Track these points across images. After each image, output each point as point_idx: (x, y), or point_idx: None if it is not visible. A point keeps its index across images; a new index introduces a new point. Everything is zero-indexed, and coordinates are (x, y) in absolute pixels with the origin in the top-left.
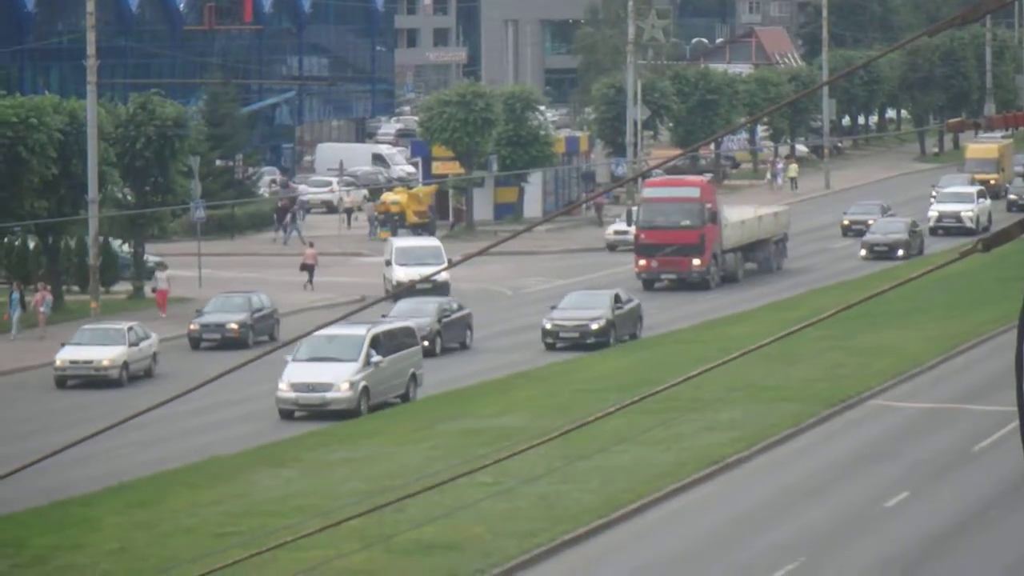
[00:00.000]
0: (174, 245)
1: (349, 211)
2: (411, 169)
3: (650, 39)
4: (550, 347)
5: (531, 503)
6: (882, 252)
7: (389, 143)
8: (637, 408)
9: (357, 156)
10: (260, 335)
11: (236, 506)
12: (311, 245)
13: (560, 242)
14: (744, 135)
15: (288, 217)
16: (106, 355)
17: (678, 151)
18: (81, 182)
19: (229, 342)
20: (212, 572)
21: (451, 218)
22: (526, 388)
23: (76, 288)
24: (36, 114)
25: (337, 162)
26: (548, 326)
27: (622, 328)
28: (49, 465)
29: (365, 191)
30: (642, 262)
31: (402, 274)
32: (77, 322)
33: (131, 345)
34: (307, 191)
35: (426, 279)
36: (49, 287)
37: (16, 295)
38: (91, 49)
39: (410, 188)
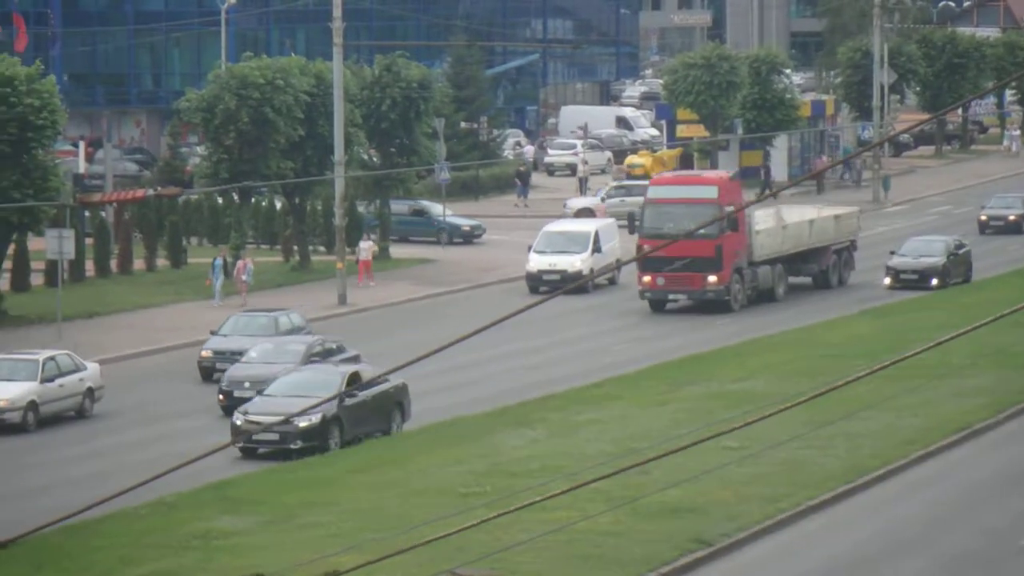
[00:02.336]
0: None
1: (584, 180)
2: (655, 132)
3: (897, 2)
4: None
5: (775, 468)
6: (910, 281)
7: (633, 106)
8: (883, 374)
9: (601, 119)
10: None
11: (481, 466)
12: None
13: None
14: (992, 100)
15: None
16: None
17: (925, 116)
18: (327, 143)
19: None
20: (458, 532)
21: None
22: (770, 353)
23: (322, 249)
24: (283, 76)
25: (581, 125)
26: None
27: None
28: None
29: (609, 154)
30: (646, 278)
31: (535, 263)
32: (323, 282)
33: (44, 381)
34: (551, 154)
35: (570, 279)
36: (250, 256)
37: (219, 261)
38: (337, 11)
39: (654, 151)
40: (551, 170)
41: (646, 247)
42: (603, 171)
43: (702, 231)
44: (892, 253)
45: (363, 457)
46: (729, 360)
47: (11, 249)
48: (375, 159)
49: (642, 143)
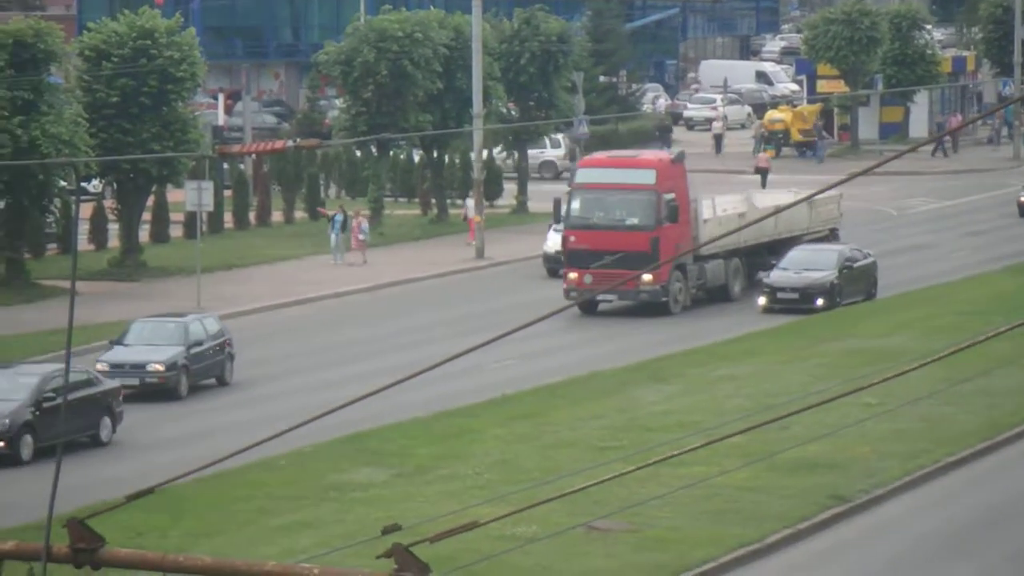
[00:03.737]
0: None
1: (719, 137)
2: (795, 87)
3: None
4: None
5: (914, 424)
6: (789, 302)
7: (773, 61)
8: (1021, 331)
9: (740, 73)
10: (200, 377)
11: (618, 420)
12: (764, 150)
13: (945, 163)
14: None
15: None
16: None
17: None
18: (465, 96)
19: (149, 391)
20: (595, 484)
21: (835, 136)
22: (909, 309)
23: (460, 202)
24: (421, 29)
25: (721, 79)
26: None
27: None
28: (434, 376)
29: (749, 109)
30: (571, 275)
31: (551, 242)
32: (460, 235)
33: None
34: (690, 108)
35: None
36: (367, 213)
37: (338, 217)
38: None
39: (794, 106)
40: (690, 125)
41: (572, 239)
42: (742, 126)
43: (634, 222)
44: (773, 265)
45: (499, 411)
46: (870, 316)
47: (151, 201)
48: (513, 112)
49: (782, 98)
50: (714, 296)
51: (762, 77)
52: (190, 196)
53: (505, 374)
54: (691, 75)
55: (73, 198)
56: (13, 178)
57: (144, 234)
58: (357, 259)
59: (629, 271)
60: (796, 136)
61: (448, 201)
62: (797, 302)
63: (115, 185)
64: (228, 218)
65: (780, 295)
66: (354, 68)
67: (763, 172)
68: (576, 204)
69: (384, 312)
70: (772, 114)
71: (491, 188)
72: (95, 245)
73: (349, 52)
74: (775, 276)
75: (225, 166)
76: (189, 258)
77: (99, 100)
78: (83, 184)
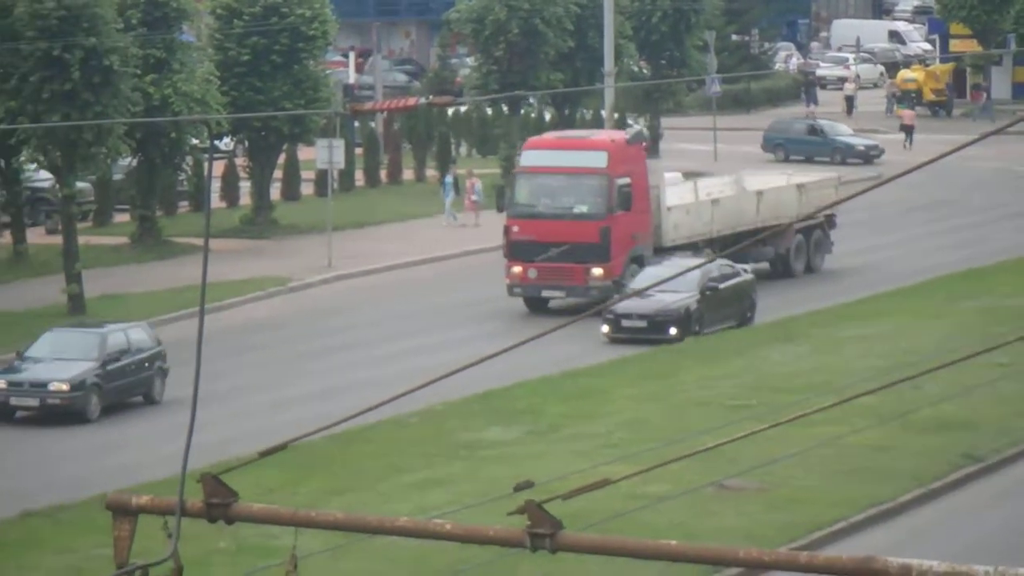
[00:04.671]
0: (689, 119)
1: (851, 99)
2: (927, 46)
3: None
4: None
5: None
6: (636, 331)
7: (906, 20)
8: None
9: (873, 32)
10: (120, 396)
11: (747, 380)
12: (911, 107)
13: None
14: None
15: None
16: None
17: None
18: (597, 55)
19: (50, 414)
20: (726, 443)
21: (968, 96)
22: None
23: None
24: None
25: (853, 38)
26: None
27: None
28: (561, 336)
29: (881, 68)
30: (515, 269)
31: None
32: None
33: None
34: (822, 67)
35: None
36: (478, 176)
37: (449, 179)
38: None
39: (927, 66)
40: (822, 84)
41: (515, 229)
42: (875, 85)
43: (583, 210)
44: (619, 285)
45: (630, 370)
46: (1007, 273)
47: (282, 159)
48: (645, 71)
49: (914, 57)
50: None
51: (895, 36)
52: (321, 154)
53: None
54: (823, 34)
55: (206, 156)
56: (146, 136)
57: (275, 192)
58: (470, 220)
59: (577, 265)
60: (928, 96)
61: None
62: (645, 331)
63: (246, 143)
64: (359, 176)
65: (625, 323)
66: (485, 26)
67: (908, 130)
68: (520, 190)
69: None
70: (904, 73)
71: None
72: (227, 203)
73: (480, 10)
74: (621, 304)
75: (356, 124)
76: (320, 216)
77: (231, 58)
78: (215, 142)
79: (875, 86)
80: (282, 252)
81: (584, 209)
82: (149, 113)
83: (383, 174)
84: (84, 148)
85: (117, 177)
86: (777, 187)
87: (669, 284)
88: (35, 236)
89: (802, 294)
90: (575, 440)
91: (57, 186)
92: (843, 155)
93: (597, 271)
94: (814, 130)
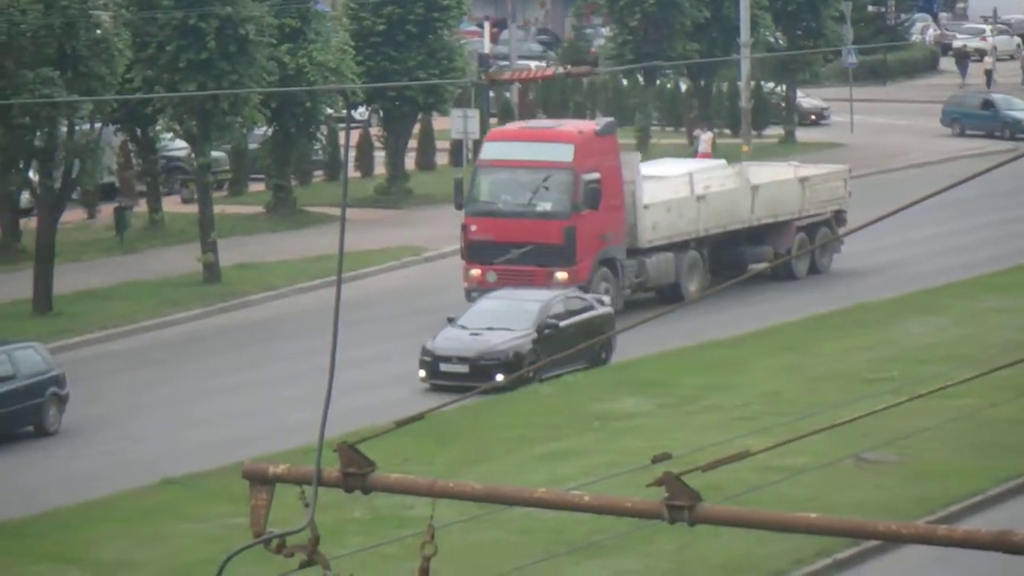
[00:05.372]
0: (825, 90)
1: (990, 72)
2: None
3: None
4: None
5: None
6: (457, 378)
7: None
8: None
9: (1011, 3)
10: (5, 426)
11: (885, 352)
12: None
13: None
14: None
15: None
16: None
17: None
18: (732, 25)
19: None
20: (864, 416)
21: None
22: None
23: (727, 131)
24: None
25: (990, 10)
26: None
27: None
28: (699, 307)
29: (1018, 40)
30: (473, 272)
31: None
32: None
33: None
34: (959, 38)
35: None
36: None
37: None
38: None
39: None
40: (974, 57)
41: (473, 228)
42: (1011, 57)
43: (546, 208)
44: (449, 321)
45: (766, 342)
46: None
47: (416, 128)
48: (781, 42)
49: None
50: (665, 296)
51: None
52: (456, 124)
53: (771, 305)
54: (960, 5)
55: (341, 126)
56: (281, 105)
57: (410, 161)
58: None
59: (539, 268)
60: None
61: (716, 131)
62: (466, 378)
63: (381, 113)
64: None
65: (444, 367)
66: None
67: None
68: (479, 185)
69: None
70: None
71: (758, 118)
72: (361, 172)
73: None
74: (441, 338)
75: (491, 94)
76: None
77: (365, 28)
78: (350, 112)
79: (1011, 58)
80: (417, 222)
81: (547, 207)
82: (284, 83)
83: None
84: (220, 117)
85: (252, 146)
86: (776, 181)
87: (502, 321)
88: (171, 205)
89: (953, 260)
90: (710, 412)
91: (193, 155)
92: (1011, 130)
93: (561, 275)
94: (987, 104)
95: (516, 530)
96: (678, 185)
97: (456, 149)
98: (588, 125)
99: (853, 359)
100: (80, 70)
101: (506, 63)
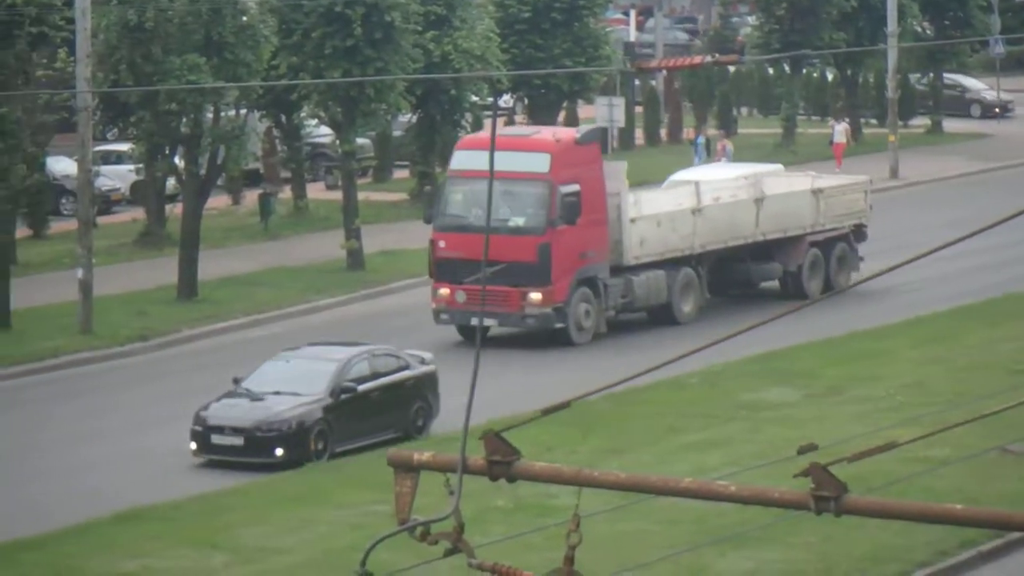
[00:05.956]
0: (971, 81)
1: None
2: None
3: None
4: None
5: None
6: (231, 452)
7: None
8: None
9: None
10: None
11: None
12: None
13: None
14: None
15: None
16: None
17: None
18: (880, 14)
19: None
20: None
21: None
22: None
23: (874, 121)
24: None
25: None
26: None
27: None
28: (845, 297)
29: None
30: (442, 291)
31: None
32: (874, 155)
33: None
34: None
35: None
36: (729, 138)
37: (701, 139)
38: None
39: None
40: None
41: (441, 244)
42: None
43: (519, 223)
44: (235, 382)
45: (911, 333)
46: None
47: (562, 116)
48: (928, 31)
49: None
50: (658, 318)
51: None
52: (601, 111)
53: (918, 295)
54: None
55: (486, 113)
56: (426, 92)
57: None
58: None
59: (512, 288)
60: None
61: (862, 120)
62: (242, 452)
63: (526, 100)
64: (639, 134)
65: (216, 439)
66: None
67: None
68: (448, 198)
69: None
70: None
71: (905, 108)
72: None
73: None
74: (217, 404)
75: (636, 82)
76: None
77: (511, 15)
78: (495, 99)
79: None
80: None
81: (520, 222)
82: (429, 70)
83: (663, 132)
84: (365, 104)
85: (397, 133)
86: (785, 193)
87: (292, 383)
88: (315, 191)
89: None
90: (856, 403)
91: (337, 142)
92: None
93: (535, 296)
94: None
95: (660, 520)
96: (683, 196)
97: (602, 136)
98: (567, 133)
99: (999, 350)
100: (226, 56)
101: (651, 51)
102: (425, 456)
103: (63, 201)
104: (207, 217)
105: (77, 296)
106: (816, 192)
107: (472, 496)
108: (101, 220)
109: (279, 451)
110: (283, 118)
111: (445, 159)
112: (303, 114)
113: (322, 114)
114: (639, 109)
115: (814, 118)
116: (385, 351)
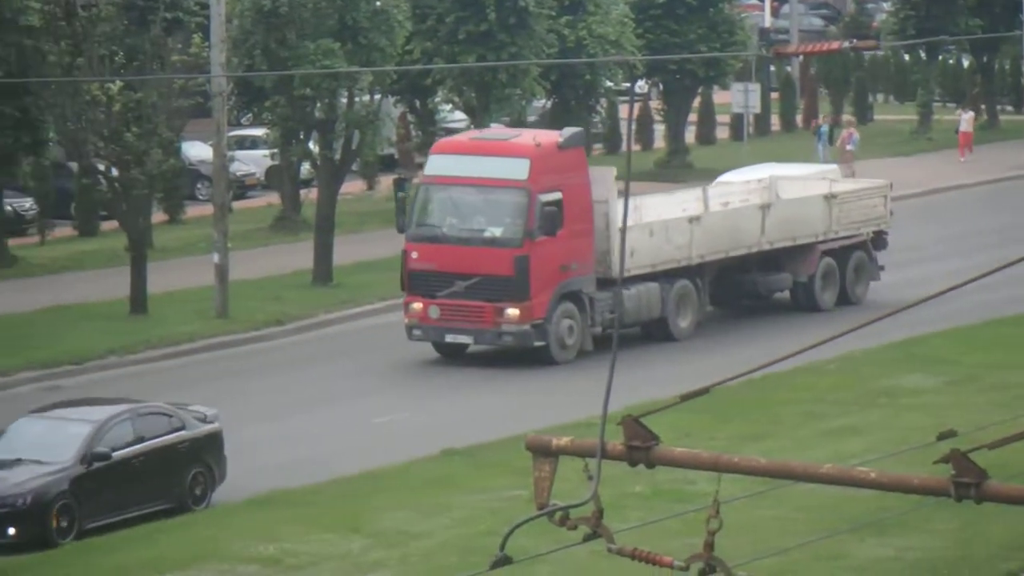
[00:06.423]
0: None
1: None
2: None
3: None
4: None
5: None
6: None
7: None
8: None
9: None
10: None
11: None
12: None
13: None
14: None
15: None
16: None
17: None
18: (1017, 2)
19: None
20: None
21: None
22: None
23: (1010, 108)
24: None
25: None
26: None
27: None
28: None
29: None
30: (414, 306)
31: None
32: (1013, 142)
33: None
34: None
35: None
36: (854, 125)
37: (824, 128)
38: None
39: None
40: None
41: (414, 255)
42: None
43: (495, 234)
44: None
45: None
46: None
47: (697, 102)
48: None
49: None
50: (653, 334)
51: None
52: (736, 97)
53: None
54: None
55: (621, 98)
56: (560, 78)
57: (690, 135)
58: (845, 171)
59: (487, 303)
60: None
61: (998, 107)
62: None
63: (661, 86)
64: (774, 120)
65: None
66: None
67: None
68: (422, 205)
69: (929, 216)
70: None
71: None
72: (641, 145)
73: None
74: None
75: (771, 68)
76: (735, 160)
77: (645, 0)
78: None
79: None
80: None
81: (496, 233)
82: (563, 55)
83: (799, 119)
84: (499, 89)
85: (531, 119)
86: (794, 199)
87: (41, 449)
88: None
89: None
90: (995, 390)
91: (472, 127)
92: None
93: (512, 312)
94: None
95: (798, 506)
96: (689, 202)
97: (737, 123)
98: (550, 136)
99: None
100: (360, 41)
101: (786, 37)
102: (564, 441)
103: (198, 186)
104: (342, 202)
105: (213, 281)
106: (829, 198)
107: (609, 482)
108: (236, 205)
109: (12, 530)
110: (417, 103)
111: None
112: (437, 99)
113: (456, 99)
114: (775, 95)
115: (950, 105)
116: (154, 409)
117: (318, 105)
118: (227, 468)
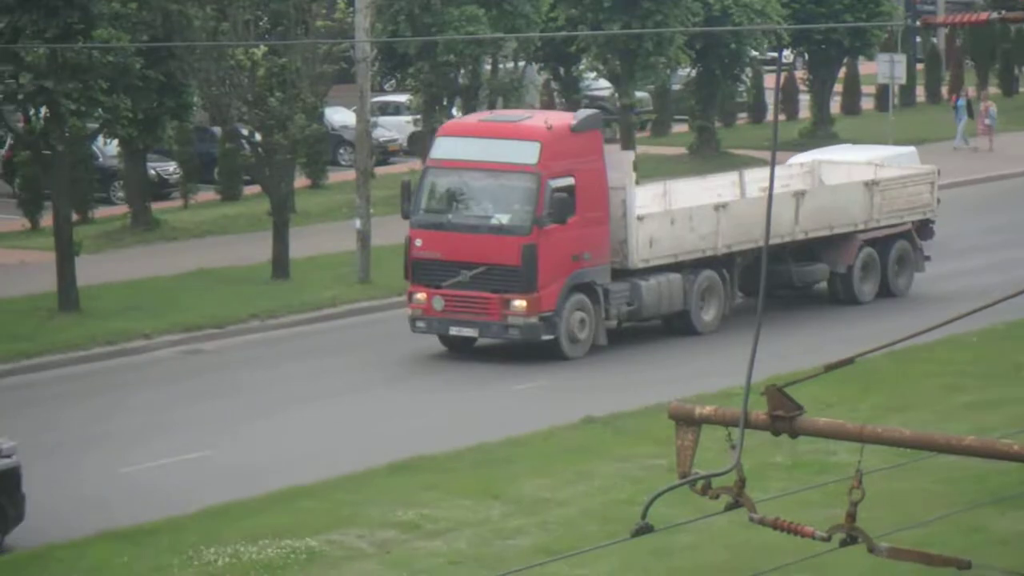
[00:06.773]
0: None
1: None
2: None
3: None
4: None
5: None
6: None
7: None
8: None
9: None
10: None
11: None
12: None
13: None
14: None
15: None
16: None
17: None
18: None
19: None
20: None
21: None
22: None
23: None
24: None
25: None
26: None
27: None
28: None
29: None
30: (418, 296)
31: None
32: None
33: None
34: None
35: None
36: (992, 100)
37: (962, 102)
38: None
39: None
40: None
41: (418, 243)
42: None
43: (502, 221)
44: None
45: None
46: None
47: (842, 72)
48: None
49: None
50: (674, 327)
51: None
52: (882, 68)
53: None
54: None
55: (767, 67)
56: (705, 46)
57: (835, 105)
58: (983, 145)
59: (493, 294)
60: None
61: None
62: None
63: (806, 56)
64: (919, 92)
65: None
66: None
67: None
68: (427, 190)
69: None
70: None
71: None
72: (785, 115)
73: None
74: None
75: (917, 39)
76: (879, 131)
77: None
78: (775, 54)
79: None
80: None
81: (503, 220)
82: (709, 23)
83: (944, 90)
84: (644, 57)
85: (675, 87)
86: (832, 186)
87: None
88: None
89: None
90: None
91: (616, 95)
92: None
93: (518, 303)
94: None
95: (939, 479)
96: (725, 187)
97: (882, 94)
98: (563, 119)
99: None
100: (504, 8)
101: (932, 7)
102: (707, 410)
103: (341, 152)
104: None
105: (354, 246)
106: (870, 184)
107: (750, 452)
108: (379, 171)
109: None
110: (561, 70)
111: (724, 113)
112: (581, 66)
113: (600, 67)
114: (920, 66)
115: None
116: None
117: (461, 71)
118: (25, 508)
